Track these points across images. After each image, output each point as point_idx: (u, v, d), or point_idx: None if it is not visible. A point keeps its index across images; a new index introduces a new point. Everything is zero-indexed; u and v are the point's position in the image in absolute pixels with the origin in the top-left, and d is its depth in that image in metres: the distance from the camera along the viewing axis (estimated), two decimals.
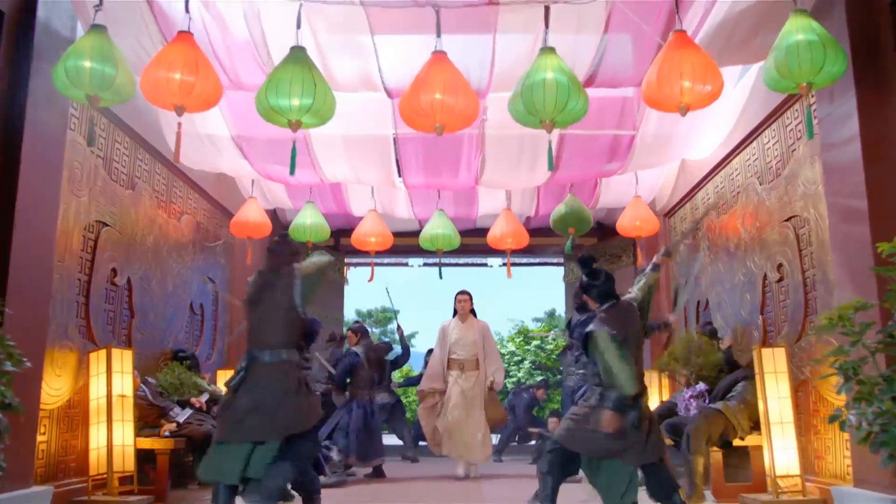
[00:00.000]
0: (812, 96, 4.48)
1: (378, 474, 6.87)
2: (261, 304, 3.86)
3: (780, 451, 4.53)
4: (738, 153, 5.81)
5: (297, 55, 3.69)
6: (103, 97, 3.61)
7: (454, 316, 7.29)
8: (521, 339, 13.85)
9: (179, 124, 3.72)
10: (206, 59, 3.68)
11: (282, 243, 4.08)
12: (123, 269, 5.33)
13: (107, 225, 5.08)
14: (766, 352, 4.67)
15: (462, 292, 7.31)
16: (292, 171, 3.64)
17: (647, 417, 3.75)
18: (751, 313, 5.60)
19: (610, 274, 4.07)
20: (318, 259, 3.97)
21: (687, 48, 3.64)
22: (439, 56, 3.76)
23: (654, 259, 4.28)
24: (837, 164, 4.02)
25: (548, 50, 3.68)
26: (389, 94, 5.06)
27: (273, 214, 8.76)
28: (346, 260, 10.75)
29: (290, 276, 3.86)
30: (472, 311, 7.28)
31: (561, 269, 11.20)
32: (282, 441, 3.72)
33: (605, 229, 9.39)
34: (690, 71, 3.58)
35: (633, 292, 4.09)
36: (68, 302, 4.57)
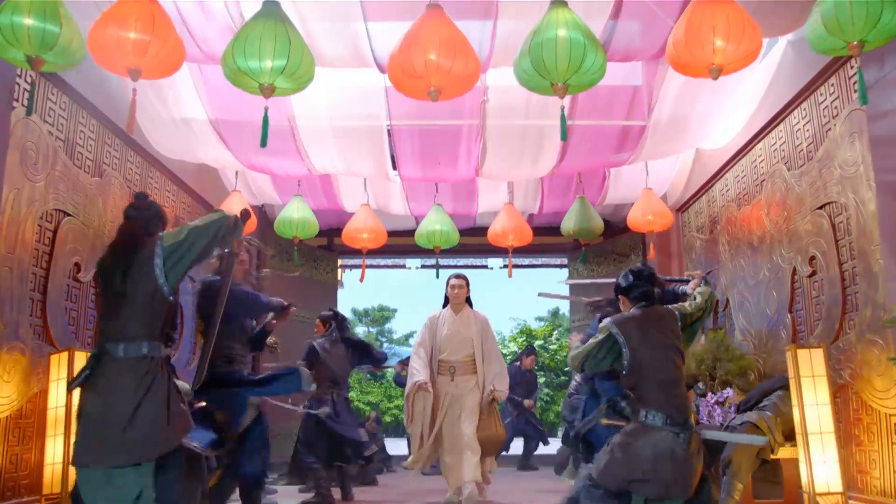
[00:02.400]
0: (851, 66, 4.03)
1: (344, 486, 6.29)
2: (114, 284, 2.95)
3: (820, 465, 4.02)
4: (763, 137, 5.33)
5: (271, 9, 3.21)
6: (47, 59, 3.13)
7: (445, 306, 6.02)
8: (524, 339, 13.44)
9: (134, 90, 3.23)
10: (164, 15, 3.20)
11: (139, 207, 3.13)
12: (89, 264, 4.82)
13: (68, 215, 4.59)
14: (801, 353, 4.17)
15: (456, 276, 6.00)
16: (263, 143, 3.15)
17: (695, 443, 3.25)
18: (778, 312, 5.10)
19: (654, 275, 3.70)
20: (198, 221, 3.03)
21: (720, 1, 3.16)
22: (434, 11, 3.28)
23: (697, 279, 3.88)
24: (889, 137, 3.55)
25: (559, 3, 3.20)
26: (381, 68, 4.59)
27: (261, 212, 8.29)
28: (340, 261, 10.29)
29: (151, 248, 2.91)
30: (468, 301, 5.99)
31: (565, 271, 10.72)
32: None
33: (611, 227, 8.88)
34: (724, 27, 3.10)
35: (687, 307, 3.63)
36: (19, 298, 4.07)
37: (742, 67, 3.25)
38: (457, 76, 3.13)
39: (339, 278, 10.59)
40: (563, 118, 3.15)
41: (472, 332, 5.79)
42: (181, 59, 3.28)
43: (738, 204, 5.86)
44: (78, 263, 4.70)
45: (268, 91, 3.12)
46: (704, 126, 5.90)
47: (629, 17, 4.44)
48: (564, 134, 3.23)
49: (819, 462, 4.02)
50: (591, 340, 3.49)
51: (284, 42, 3.07)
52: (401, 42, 3.19)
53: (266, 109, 3.16)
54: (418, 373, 5.72)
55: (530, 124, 5.79)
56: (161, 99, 5.23)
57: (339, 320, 6.48)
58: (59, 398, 4.25)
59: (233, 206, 6.59)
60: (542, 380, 11.98)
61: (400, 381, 9.68)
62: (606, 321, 3.48)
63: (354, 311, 31.03)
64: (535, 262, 11.11)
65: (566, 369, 15.54)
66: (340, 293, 10.29)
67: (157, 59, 3.15)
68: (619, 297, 3.67)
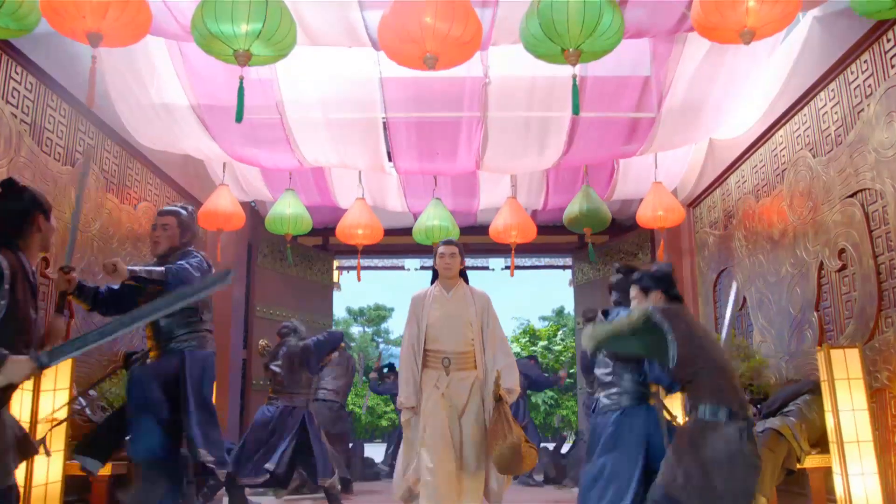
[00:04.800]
0: (888, 39, 3.69)
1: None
2: None
3: (857, 477, 3.67)
4: (784, 123, 4.98)
5: None
6: None
7: (433, 282, 4.48)
8: (528, 339, 13.03)
9: (94, 57, 2.87)
10: None
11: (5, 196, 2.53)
12: (59, 259, 4.47)
13: None
14: (835, 353, 3.81)
15: (446, 242, 4.43)
16: (239, 117, 2.79)
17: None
18: (802, 310, 4.74)
19: None
20: None
21: None
22: None
23: None
24: None
25: None
26: (375, 45, 4.22)
27: (253, 210, 7.94)
28: (336, 262, 9.91)
29: None
30: (463, 275, 4.47)
31: (568, 272, 10.34)
32: None
33: (618, 224, 8.51)
34: None
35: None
36: None
37: (777, 31, 2.91)
38: (455, 41, 2.78)
39: (335, 279, 10.21)
40: (574, 89, 2.80)
41: (471, 315, 4.28)
42: (147, 23, 2.93)
43: (756, 196, 5.50)
44: (46, 258, 4.34)
45: (243, 58, 2.77)
46: (719, 114, 5.54)
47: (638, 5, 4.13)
48: (577, 108, 2.88)
49: (856, 473, 3.67)
50: (623, 319, 3.04)
51: (261, 2, 2.72)
52: (393, 3, 2.84)
53: (241, 79, 2.81)
54: (412, 392, 4.23)
55: (534, 113, 5.44)
56: (139, 82, 4.87)
57: (291, 330, 5.91)
58: (23, 413, 3.86)
59: (219, 201, 6.24)
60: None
61: (379, 390, 9.13)
62: (651, 308, 3.05)
63: (349, 311, 30.38)
64: (538, 262, 10.72)
65: (571, 371, 15.02)
66: (335, 292, 9.89)
67: (118, 22, 2.80)
68: (652, 292, 3.26)
